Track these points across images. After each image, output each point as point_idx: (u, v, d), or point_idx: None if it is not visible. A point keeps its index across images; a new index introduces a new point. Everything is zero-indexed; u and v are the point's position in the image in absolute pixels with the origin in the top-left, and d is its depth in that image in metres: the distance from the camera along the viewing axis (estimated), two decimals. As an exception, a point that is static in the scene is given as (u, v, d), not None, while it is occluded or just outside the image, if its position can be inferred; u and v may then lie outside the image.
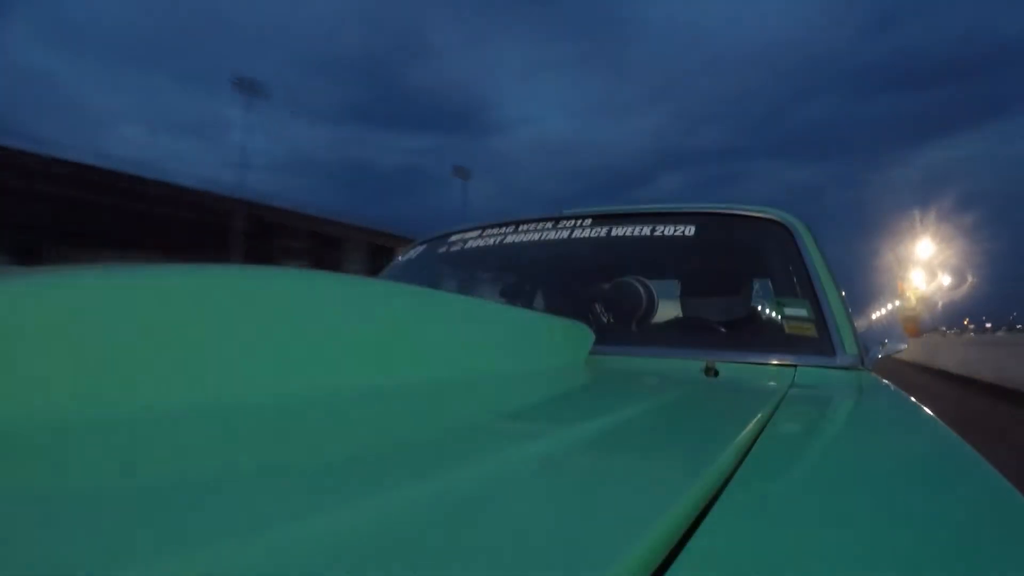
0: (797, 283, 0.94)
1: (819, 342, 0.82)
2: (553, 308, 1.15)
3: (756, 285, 1.24)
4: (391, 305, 0.49)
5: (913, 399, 0.67)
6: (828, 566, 0.20)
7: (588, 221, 1.11)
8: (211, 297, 0.35)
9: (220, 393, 0.33)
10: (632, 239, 1.05)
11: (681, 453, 0.34)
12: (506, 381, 0.55)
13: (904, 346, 1.00)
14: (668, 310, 1.14)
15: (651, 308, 0.98)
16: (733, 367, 0.76)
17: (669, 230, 1.03)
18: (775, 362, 0.79)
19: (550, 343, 0.70)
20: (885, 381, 0.76)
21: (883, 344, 0.98)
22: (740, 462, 0.30)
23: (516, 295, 1.29)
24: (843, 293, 0.92)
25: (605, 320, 1.01)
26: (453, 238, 1.26)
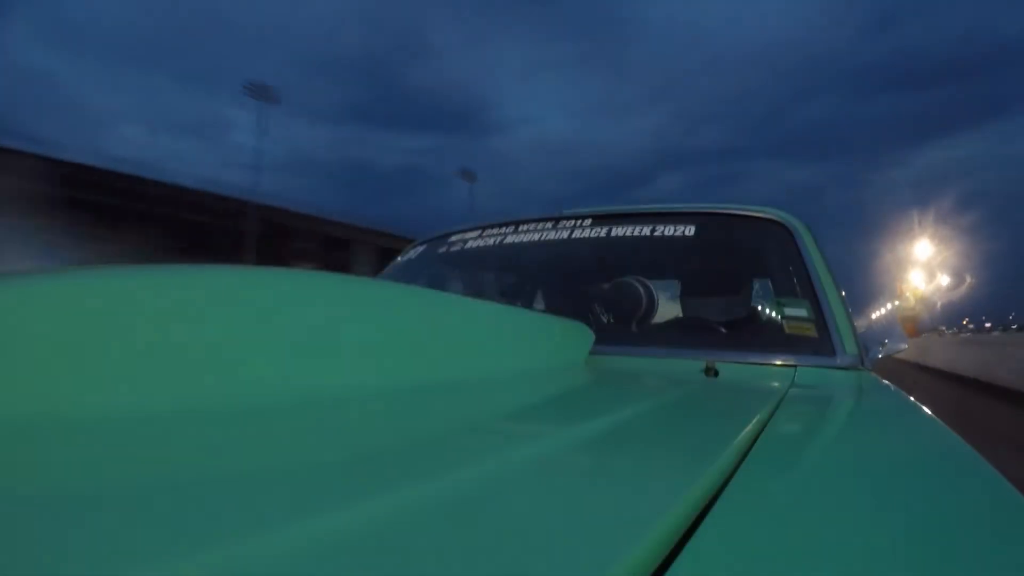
0: (797, 283, 0.94)
1: (819, 342, 0.82)
2: (553, 308, 1.15)
3: (756, 285, 1.24)
4: (390, 305, 0.49)
5: (912, 399, 0.67)
6: (828, 566, 0.20)
7: (588, 221, 1.11)
8: (211, 297, 0.35)
9: (220, 394, 0.33)
10: (632, 239, 1.05)
11: (681, 453, 0.34)
12: (506, 381, 0.55)
13: (904, 346, 1.01)
14: (668, 310, 1.14)
15: (651, 308, 0.98)
16: (733, 367, 0.76)
17: (669, 230, 1.03)
18: (775, 362, 0.79)
19: (550, 343, 0.70)
20: (885, 381, 0.76)
21: (883, 344, 0.98)
22: (740, 462, 0.30)
23: (516, 295, 1.29)
24: (843, 293, 0.92)
25: (605, 320, 1.01)
26: (453, 238, 1.26)
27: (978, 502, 0.31)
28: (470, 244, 1.20)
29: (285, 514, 0.18)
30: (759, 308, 1.08)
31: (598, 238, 1.07)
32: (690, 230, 1.02)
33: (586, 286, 1.16)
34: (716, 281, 1.31)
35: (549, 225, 1.14)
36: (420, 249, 1.33)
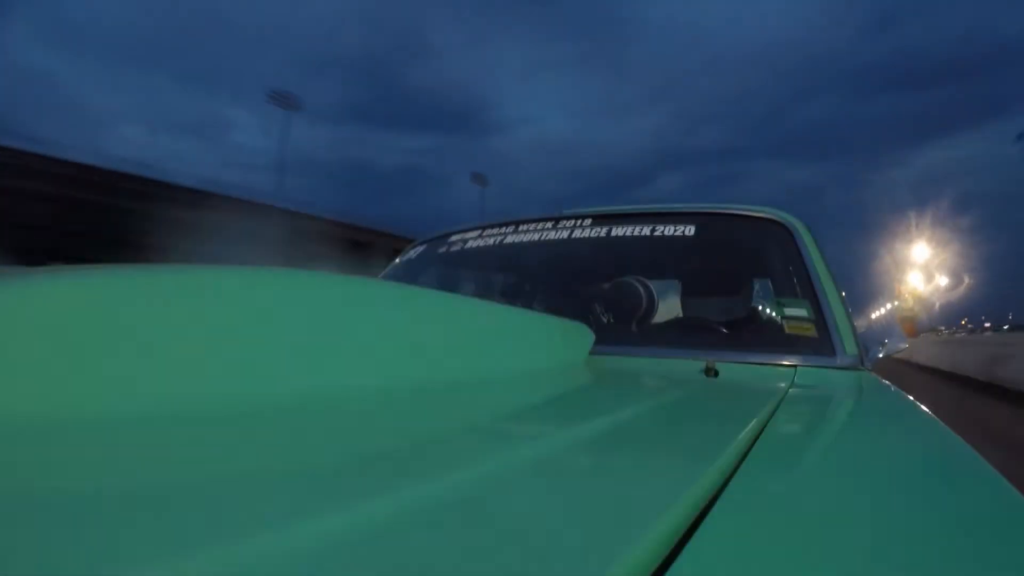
0: (797, 283, 0.94)
1: (819, 342, 0.82)
2: (553, 308, 1.15)
3: (756, 285, 1.24)
4: (390, 305, 0.49)
5: (911, 398, 0.67)
6: (828, 566, 0.20)
7: (588, 221, 1.11)
8: (210, 297, 0.35)
9: (219, 394, 0.33)
10: (632, 239, 1.05)
11: (681, 453, 0.34)
12: (506, 381, 0.55)
13: (904, 346, 1.01)
14: (668, 310, 1.14)
15: (651, 308, 0.98)
16: (733, 367, 0.76)
17: (669, 230, 1.03)
18: (775, 362, 0.79)
19: (550, 343, 0.70)
20: (885, 381, 0.76)
21: (883, 344, 0.99)
22: (740, 462, 0.30)
23: (516, 295, 1.29)
24: (843, 293, 0.92)
25: (605, 320, 1.01)
26: (453, 238, 1.26)
27: (978, 502, 0.31)
28: (470, 244, 1.20)
29: (285, 515, 0.18)
30: (759, 308, 1.08)
31: (598, 238, 1.07)
32: (690, 230, 1.02)
33: (586, 286, 1.16)
34: (716, 281, 1.32)
35: (549, 225, 1.14)
36: (420, 249, 1.33)
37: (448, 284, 1.27)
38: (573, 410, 0.48)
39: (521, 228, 1.16)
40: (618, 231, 1.06)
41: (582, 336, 0.75)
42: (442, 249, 1.25)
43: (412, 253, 1.33)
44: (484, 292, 1.32)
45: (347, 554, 0.16)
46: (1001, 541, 0.25)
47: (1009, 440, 3.63)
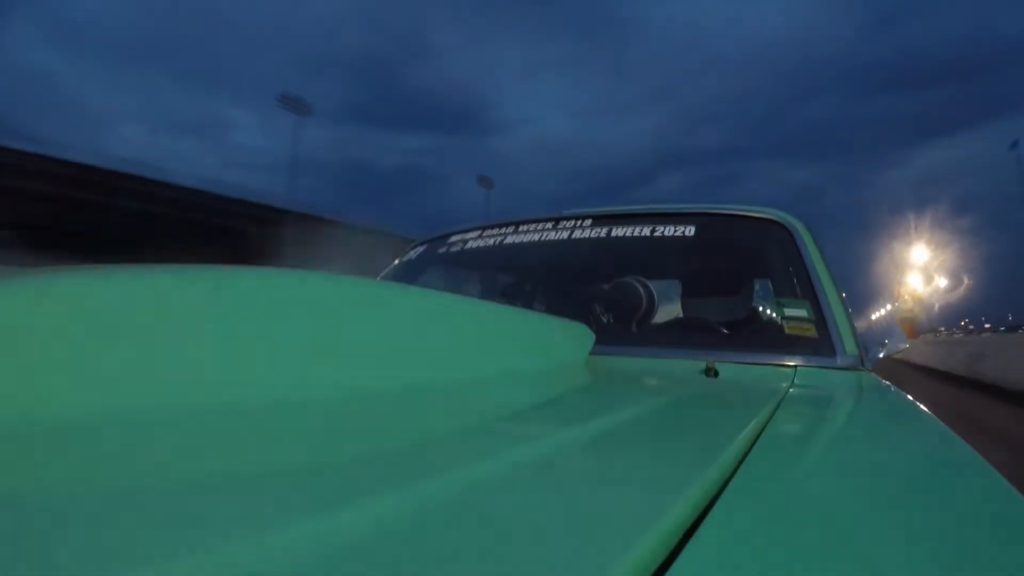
0: (797, 283, 0.94)
1: (819, 342, 0.82)
2: (553, 308, 1.15)
3: (756, 285, 1.24)
4: (390, 305, 0.49)
5: (911, 397, 0.67)
6: (828, 566, 0.20)
7: (588, 221, 1.11)
8: (211, 297, 0.35)
9: (220, 394, 0.33)
10: (632, 239, 1.05)
11: (681, 453, 0.34)
12: (506, 381, 0.55)
13: (905, 346, 1.01)
14: (668, 310, 1.14)
15: (651, 308, 0.98)
16: (733, 367, 0.76)
17: (669, 230, 1.03)
18: (775, 362, 0.79)
19: (550, 343, 0.70)
20: (885, 382, 0.76)
21: (883, 344, 0.99)
22: (740, 462, 0.30)
23: (516, 295, 1.29)
24: (843, 294, 0.92)
25: (605, 320, 1.01)
26: (453, 238, 1.25)
27: (978, 502, 0.31)
28: (470, 244, 1.20)
29: (285, 514, 0.18)
30: (759, 308, 1.08)
31: (598, 238, 1.07)
32: (690, 230, 1.02)
33: (586, 286, 1.16)
34: (716, 281, 1.32)
35: (549, 225, 1.14)
36: (420, 249, 1.32)
37: (448, 284, 1.27)
38: (573, 410, 0.48)
39: (521, 228, 1.16)
40: (618, 231, 1.06)
41: (582, 336, 0.75)
42: (442, 249, 1.25)
43: (412, 253, 1.33)
44: (484, 292, 1.32)
45: (347, 554, 0.16)
46: (1001, 541, 0.25)
47: (970, 416, 4.72)
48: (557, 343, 0.71)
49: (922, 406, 0.60)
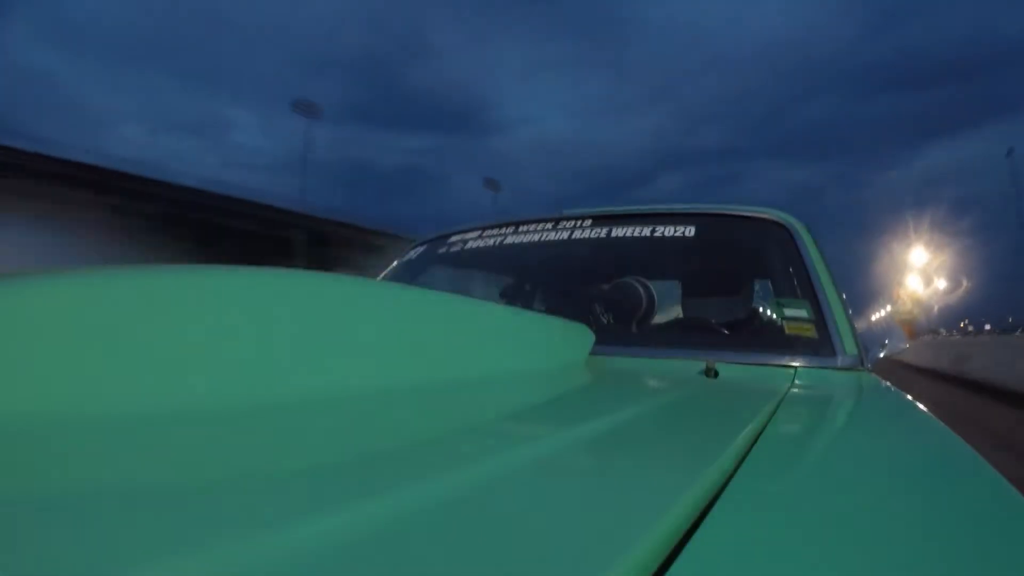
0: (797, 284, 0.94)
1: (819, 343, 0.82)
2: (553, 309, 1.15)
3: (756, 286, 1.24)
4: (390, 306, 0.49)
5: (910, 397, 0.67)
6: (828, 566, 0.20)
7: (588, 222, 1.11)
8: (212, 297, 0.35)
9: (219, 394, 0.33)
10: (632, 240, 1.05)
11: (681, 454, 0.34)
12: (506, 382, 0.55)
13: (905, 346, 1.01)
14: (668, 311, 1.14)
15: (651, 309, 0.98)
16: (733, 368, 0.76)
17: (669, 231, 1.03)
18: (775, 363, 0.79)
19: (550, 344, 0.70)
20: (886, 383, 0.76)
21: (884, 344, 0.99)
22: (740, 463, 0.30)
23: (516, 296, 1.29)
24: (843, 295, 0.92)
25: (605, 321, 1.01)
26: (453, 238, 1.25)
27: (978, 502, 0.31)
28: (470, 244, 1.20)
29: (286, 514, 0.18)
30: (759, 309, 1.08)
31: (598, 239, 1.07)
32: (690, 231, 1.02)
33: (586, 287, 1.16)
34: (716, 282, 1.32)
35: (549, 226, 1.13)
36: (420, 249, 1.32)
37: (448, 284, 1.27)
38: (573, 411, 0.48)
39: (521, 229, 1.16)
40: (618, 232, 1.06)
41: (582, 336, 0.75)
42: (442, 249, 1.25)
43: (412, 253, 1.33)
44: (484, 292, 1.32)
45: (347, 554, 0.16)
46: (1001, 541, 0.25)
47: (948, 401, 5.71)
48: (557, 343, 0.71)
49: (922, 406, 0.60)
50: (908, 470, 0.36)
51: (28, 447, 0.24)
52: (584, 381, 0.66)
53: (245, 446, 0.28)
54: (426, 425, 0.36)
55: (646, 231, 1.05)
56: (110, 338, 0.30)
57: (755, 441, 0.35)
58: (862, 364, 0.80)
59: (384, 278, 1.26)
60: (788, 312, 0.88)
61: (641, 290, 0.98)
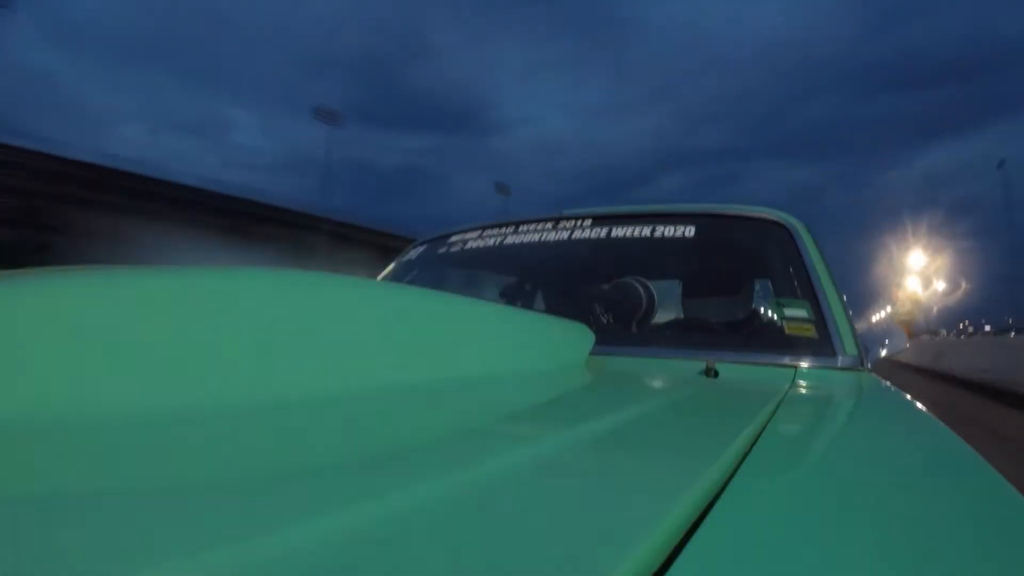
0: (797, 284, 0.94)
1: (819, 343, 0.82)
2: (553, 309, 1.15)
3: (756, 286, 1.24)
4: (390, 305, 0.49)
5: (909, 397, 0.67)
6: (829, 566, 0.20)
7: (588, 222, 1.11)
8: (212, 298, 0.35)
9: (218, 395, 0.33)
10: (632, 240, 1.05)
11: (682, 454, 0.34)
12: (506, 382, 0.55)
13: (905, 346, 1.01)
14: (668, 311, 1.14)
15: (651, 309, 0.98)
16: (733, 368, 0.76)
17: (669, 231, 1.03)
18: (775, 363, 0.79)
19: (550, 344, 0.70)
20: (886, 382, 0.76)
21: (884, 344, 0.99)
22: (740, 463, 0.30)
23: (516, 296, 1.29)
24: (843, 296, 0.92)
25: (605, 321, 1.01)
26: (453, 238, 1.25)
27: (978, 502, 0.31)
28: (470, 244, 1.20)
29: (285, 514, 0.18)
30: (759, 309, 1.08)
31: (598, 238, 1.07)
32: (690, 231, 1.02)
33: (586, 287, 1.16)
34: (716, 282, 1.31)
35: (549, 225, 1.13)
36: (420, 249, 1.32)
37: (448, 284, 1.27)
38: (573, 411, 0.48)
39: (521, 228, 1.16)
40: (618, 232, 1.06)
41: (582, 336, 0.75)
42: (442, 249, 1.25)
43: (412, 253, 1.33)
44: (484, 292, 1.32)
45: (347, 554, 0.16)
46: (1001, 541, 0.25)
47: (919, 389, 6.82)
48: (557, 343, 0.71)
49: (922, 406, 0.60)
50: (908, 470, 0.36)
51: (28, 447, 0.24)
52: (584, 381, 0.66)
53: (245, 446, 0.28)
54: (426, 425, 0.36)
55: (646, 231, 1.05)
56: (110, 338, 0.30)
57: (755, 441, 0.35)
58: (862, 364, 0.80)
59: (384, 278, 1.26)
60: (788, 312, 0.88)
61: (641, 290, 0.98)
